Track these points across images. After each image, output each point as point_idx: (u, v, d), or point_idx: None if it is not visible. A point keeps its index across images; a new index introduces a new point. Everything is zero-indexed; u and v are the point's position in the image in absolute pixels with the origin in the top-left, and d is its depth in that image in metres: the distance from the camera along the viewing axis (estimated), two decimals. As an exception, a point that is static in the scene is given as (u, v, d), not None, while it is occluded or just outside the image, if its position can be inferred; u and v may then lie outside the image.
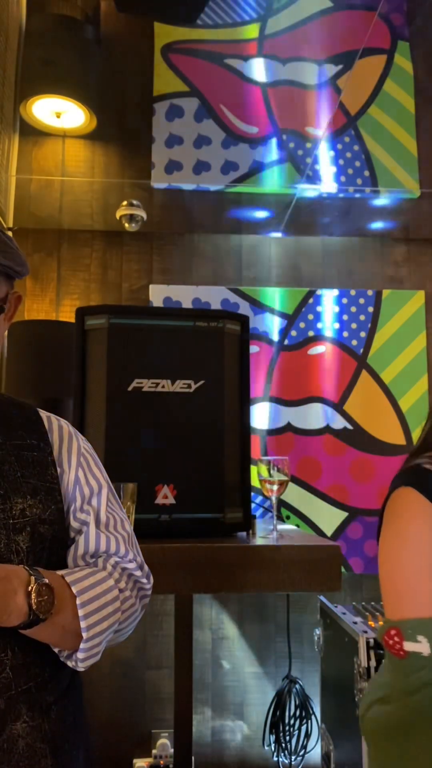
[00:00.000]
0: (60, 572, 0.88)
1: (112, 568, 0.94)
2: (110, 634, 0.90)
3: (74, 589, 0.86)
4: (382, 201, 2.84)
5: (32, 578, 0.80)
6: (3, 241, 0.93)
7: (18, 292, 1.02)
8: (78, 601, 0.85)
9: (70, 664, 0.89)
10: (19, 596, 0.78)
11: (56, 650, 0.89)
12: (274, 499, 1.61)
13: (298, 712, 2.38)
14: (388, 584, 0.86)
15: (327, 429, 2.66)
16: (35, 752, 0.84)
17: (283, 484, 1.59)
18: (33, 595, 0.79)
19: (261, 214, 2.80)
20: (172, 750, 2.30)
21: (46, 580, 0.81)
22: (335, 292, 2.75)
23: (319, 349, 2.72)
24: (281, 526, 1.71)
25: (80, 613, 0.85)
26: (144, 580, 0.99)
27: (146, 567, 1.00)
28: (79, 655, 0.87)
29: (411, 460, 0.97)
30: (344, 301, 2.75)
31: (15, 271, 0.97)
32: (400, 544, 0.85)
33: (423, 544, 0.83)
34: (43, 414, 1.04)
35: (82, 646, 0.86)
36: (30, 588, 0.79)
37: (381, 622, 1.82)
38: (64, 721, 0.89)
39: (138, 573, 0.98)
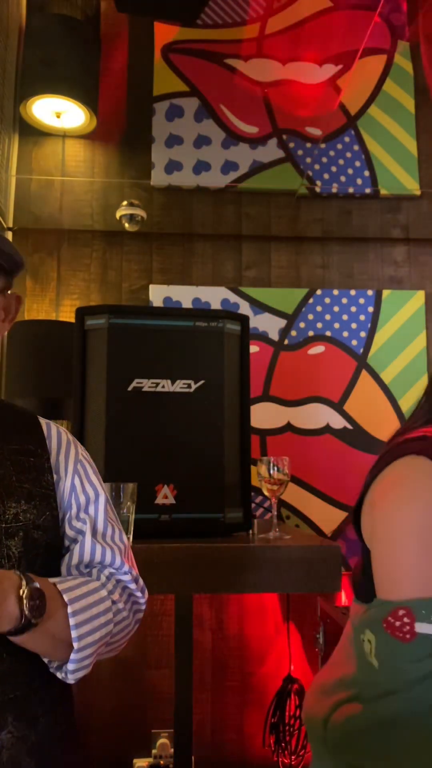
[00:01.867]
0: (52, 580, 0.86)
1: (106, 579, 0.93)
2: (101, 646, 0.88)
3: (66, 598, 0.84)
4: (381, 201, 2.84)
5: (23, 582, 0.78)
6: None
7: (17, 293, 1.02)
8: (69, 610, 0.83)
9: (59, 675, 0.87)
10: (10, 600, 0.76)
11: (46, 661, 0.87)
12: (274, 499, 1.61)
13: (298, 713, 2.38)
14: (390, 559, 0.77)
15: (327, 429, 2.66)
16: (20, 765, 0.81)
17: (283, 484, 1.59)
18: (24, 599, 0.77)
19: (261, 213, 2.80)
20: (172, 750, 2.29)
21: (38, 585, 0.80)
22: (335, 292, 2.75)
23: (319, 349, 2.72)
24: (281, 526, 1.71)
25: (71, 622, 0.83)
26: (138, 594, 0.97)
27: (141, 581, 0.98)
28: (70, 666, 0.85)
29: (408, 431, 0.89)
30: (344, 301, 2.75)
31: (14, 262, 0.96)
32: (408, 516, 0.76)
33: None
34: (43, 421, 1.03)
35: (72, 656, 0.84)
36: (21, 592, 0.77)
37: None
38: (52, 733, 0.86)
39: (132, 586, 0.96)
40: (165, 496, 1.51)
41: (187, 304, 2.68)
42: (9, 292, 1.01)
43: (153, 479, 1.51)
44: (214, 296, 2.70)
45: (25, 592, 0.77)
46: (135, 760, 2.34)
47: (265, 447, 2.63)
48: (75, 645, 0.83)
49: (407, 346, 2.74)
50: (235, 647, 2.50)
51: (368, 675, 0.77)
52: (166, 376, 1.55)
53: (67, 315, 2.63)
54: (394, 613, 0.73)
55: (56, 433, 1.02)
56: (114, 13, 2.70)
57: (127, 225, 2.61)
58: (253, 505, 1.68)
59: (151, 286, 2.69)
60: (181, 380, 1.56)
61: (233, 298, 2.71)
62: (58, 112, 2.60)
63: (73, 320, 1.63)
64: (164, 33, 2.84)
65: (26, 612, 0.77)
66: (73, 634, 0.83)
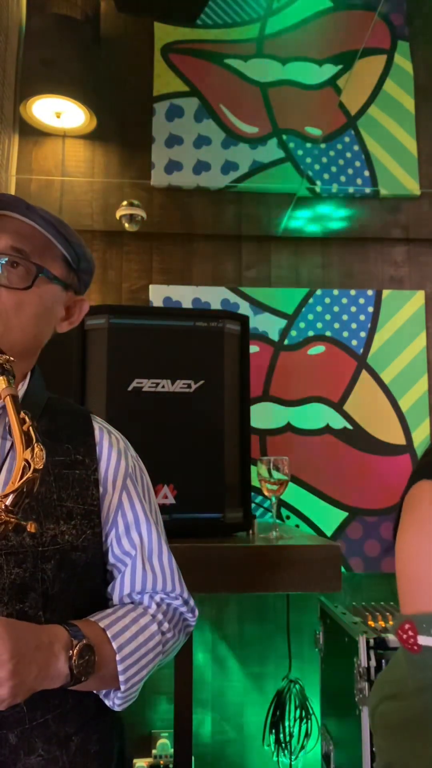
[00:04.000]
0: (101, 622, 0.85)
1: (156, 607, 0.91)
2: (150, 673, 0.89)
3: (114, 645, 0.83)
4: (381, 201, 2.84)
5: (73, 641, 0.78)
6: (68, 230, 0.95)
7: (84, 299, 1.03)
8: (118, 657, 0.83)
9: (107, 702, 0.87)
10: (60, 661, 0.76)
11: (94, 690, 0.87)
12: (274, 499, 1.61)
13: (298, 712, 2.38)
14: (404, 577, 0.85)
15: (327, 429, 2.66)
16: None
17: (283, 484, 1.59)
18: (74, 659, 0.77)
19: (261, 213, 2.80)
20: (172, 750, 2.29)
21: (86, 641, 0.79)
22: (335, 292, 2.76)
23: (319, 349, 2.72)
24: (281, 526, 1.71)
25: (119, 667, 0.83)
26: (189, 615, 0.97)
27: (192, 601, 0.97)
28: (117, 701, 0.86)
29: (430, 454, 0.96)
30: (344, 301, 2.75)
31: (77, 254, 0.98)
32: (417, 537, 0.84)
33: None
34: (97, 424, 0.98)
35: (120, 694, 0.85)
36: (71, 652, 0.77)
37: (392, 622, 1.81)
38: (85, 751, 0.85)
39: (184, 609, 0.95)
40: (165, 496, 1.51)
41: (187, 304, 2.68)
42: (76, 295, 1.01)
43: (153, 479, 1.51)
44: (214, 296, 2.70)
45: (75, 651, 0.77)
46: (135, 760, 2.34)
47: (265, 447, 2.63)
48: (122, 687, 0.84)
49: (407, 346, 2.74)
50: (235, 647, 2.50)
51: (400, 676, 0.84)
52: (166, 376, 1.55)
53: (67, 315, 2.63)
54: (402, 627, 0.80)
55: (108, 441, 0.97)
56: (114, 13, 2.71)
57: (127, 225, 2.61)
58: (253, 505, 1.68)
59: (151, 286, 2.69)
60: (181, 380, 1.56)
61: (233, 298, 2.71)
62: (58, 112, 2.60)
63: (73, 320, 1.63)
64: (164, 33, 2.84)
65: (75, 672, 0.77)
66: (121, 678, 0.84)
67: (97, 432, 0.97)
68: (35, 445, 0.72)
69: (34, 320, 0.91)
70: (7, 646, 0.70)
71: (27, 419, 0.74)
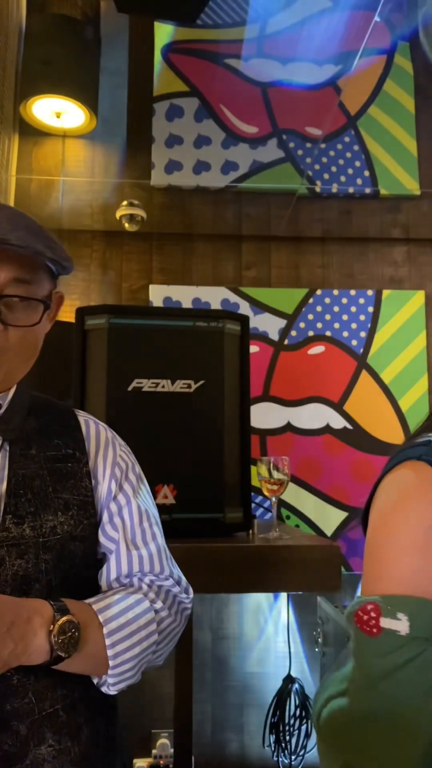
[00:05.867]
0: (89, 600, 0.86)
1: (147, 587, 0.91)
2: (146, 656, 0.88)
3: (101, 618, 0.84)
4: (381, 201, 2.84)
5: (56, 615, 0.78)
6: (48, 236, 0.92)
7: (60, 292, 1.02)
8: (105, 630, 0.83)
9: (103, 689, 0.87)
10: (39, 637, 0.76)
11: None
12: (274, 499, 1.61)
13: (298, 712, 2.38)
14: (375, 557, 0.80)
15: (327, 429, 2.66)
16: None
17: (283, 484, 1.59)
18: (54, 634, 0.77)
19: (261, 213, 2.80)
20: (172, 750, 2.29)
21: (70, 616, 0.79)
22: (335, 292, 2.75)
23: (319, 349, 2.72)
24: (281, 526, 1.71)
25: (107, 642, 0.83)
26: (183, 595, 0.95)
27: (184, 580, 0.97)
28: (109, 680, 0.85)
29: (416, 437, 0.91)
30: (344, 301, 2.75)
31: (62, 266, 0.97)
32: (399, 517, 0.79)
33: (425, 522, 0.76)
34: (81, 417, 1.01)
35: (110, 672, 0.84)
36: (51, 627, 0.77)
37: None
38: (96, 742, 0.86)
39: (176, 589, 0.94)
40: (165, 496, 1.51)
41: (187, 304, 2.68)
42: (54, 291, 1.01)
43: (153, 479, 1.51)
44: (214, 296, 2.70)
45: (56, 627, 0.77)
46: (135, 760, 2.34)
47: (265, 447, 2.63)
48: (111, 662, 0.84)
49: (407, 346, 2.74)
50: (235, 647, 2.50)
51: (350, 670, 0.79)
52: (166, 376, 1.55)
53: (67, 315, 2.62)
54: (363, 608, 0.75)
55: (95, 432, 0.99)
56: (114, 13, 2.70)
57: (127, 225, 2.61)
58: (253, 505, 1.68)
59: (151, 286, 2.69)
60: (181, 380, 1.56)
61: (233, 298, 2.71)
62: (58, 112, 2.60)
63: (73, 320, 1.63)
64: (164, 33, 2.84)
65: (55, 647, 0.77)
66: (109, 653, 0.83)
67: (83, 425, 0.99)
68: None
69: (36, 346, 0.95)
70: None
71: None
